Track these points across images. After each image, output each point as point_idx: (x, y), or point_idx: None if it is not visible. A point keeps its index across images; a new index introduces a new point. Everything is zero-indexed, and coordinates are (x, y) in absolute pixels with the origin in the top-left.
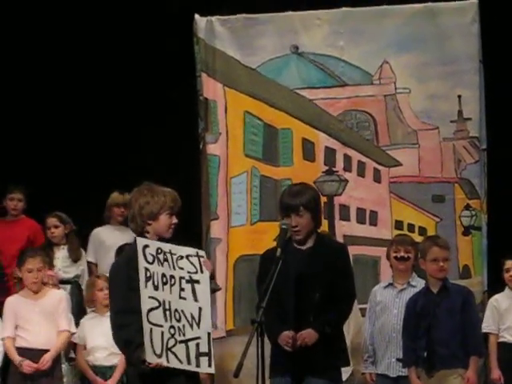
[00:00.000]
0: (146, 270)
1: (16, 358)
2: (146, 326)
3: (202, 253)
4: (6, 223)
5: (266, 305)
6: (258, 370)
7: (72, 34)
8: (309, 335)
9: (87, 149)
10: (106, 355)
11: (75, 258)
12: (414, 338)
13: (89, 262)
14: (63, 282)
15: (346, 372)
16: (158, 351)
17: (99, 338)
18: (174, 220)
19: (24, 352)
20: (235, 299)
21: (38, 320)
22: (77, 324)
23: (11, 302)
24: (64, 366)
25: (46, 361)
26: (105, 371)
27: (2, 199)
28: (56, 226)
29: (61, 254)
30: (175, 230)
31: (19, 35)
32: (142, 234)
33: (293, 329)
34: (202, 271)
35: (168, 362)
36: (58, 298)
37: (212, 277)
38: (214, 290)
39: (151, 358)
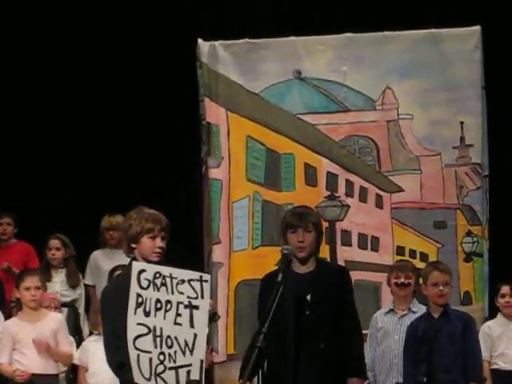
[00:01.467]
0: (138, 295)
1: (10, 369)
2: (133, 353)
3: (206, 277)
4: None
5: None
6: None
7: (75, 56)
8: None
9: (88, 172)
10: (110, 379)
11: (73, 284)
12: (414, 363)
13: (87, 285)
14: (61, 305)
15: None
16: (147, 375)
17: (102, 362)
18: (159, 243)
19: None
20: (236, 323)
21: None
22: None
23: (9, 326)
24: None
25: (43, 343)
26: None
27: None
28: (58, 249)
29: (59, 278)
30: (164, 254)
31: (21, 60)
32: (133, 258)
33: (293, 354)
34: (202, 297)
35: None
36: (58, 322)
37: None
38: (210, 319)
39: (140, 380)
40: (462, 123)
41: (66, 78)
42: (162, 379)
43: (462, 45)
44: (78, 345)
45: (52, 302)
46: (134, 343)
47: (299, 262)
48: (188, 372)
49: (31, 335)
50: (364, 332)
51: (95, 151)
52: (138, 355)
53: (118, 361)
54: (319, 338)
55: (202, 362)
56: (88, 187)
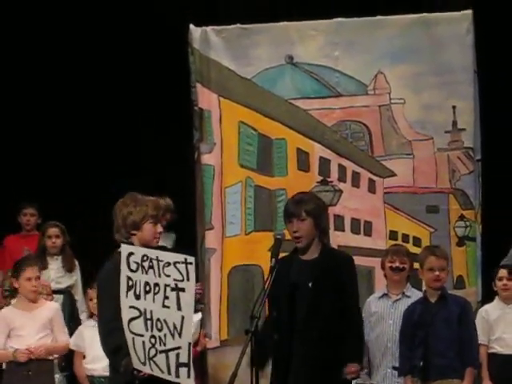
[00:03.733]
0: (129, 278)
1: (8, 352)
2: (128, 336)
3: (190, 259)
4: (20, 238)
5: (264, 323)
6: (252, 380)
7: (68, 45)
8: (357, 368)
9: (81, 159)
10: (106, 365)
11: (70, 269)
12: (410, 347)
13: None
14: (56, 291)
15: None
16: (142, 359)
17: (99, 348)
18: (159, 229)
19: (16, 363)
20: (229, 309)
21: (31, 331)
22: (70, 334)
23: (4, 314)
24: (58, 376)
25: (40, 348)
26: (104, 381)
27: (17, 215)
28: (57, 236)
29: (55, 265)
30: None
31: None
32: (129, 243)
33: (287, 343)
34: (188, 279)
35: (152, 370)
36: (54, 311)
37: (198, 299)
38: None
39: (138, 366)
40: (454, 107)
41: (58, 68)
42: (155, 363)
43: (454, 29)
44: (74, 331)
45: (44, 288)
46: (128, 326)
47: (300, 253)
48: (177, 355)
49: (28, 323)
50: None
51: (85, 135)
52: (133, 338)
53: (114, 345)
54: (314, 327)
55: (189, 344)
56: (78, 172)
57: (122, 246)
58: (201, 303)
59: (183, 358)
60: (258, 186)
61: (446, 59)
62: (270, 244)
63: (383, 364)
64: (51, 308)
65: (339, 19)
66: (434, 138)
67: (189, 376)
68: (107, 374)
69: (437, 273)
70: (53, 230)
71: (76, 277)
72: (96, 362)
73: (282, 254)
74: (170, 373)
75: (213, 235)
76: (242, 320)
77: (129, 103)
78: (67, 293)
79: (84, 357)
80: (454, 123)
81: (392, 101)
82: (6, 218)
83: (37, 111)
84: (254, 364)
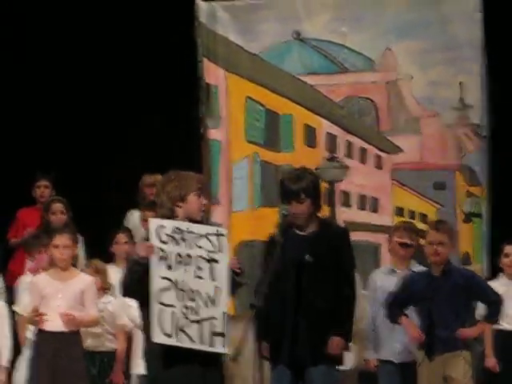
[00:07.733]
0: (160, 250)
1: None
2: (156, 307)
3: (222, 231)
4: (35, 210)
5: (264, 296)
6: (256, 354)
7: (77, 23)
8: (340, 343)
9: (88, 133)
10: (97, 340)
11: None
12: (399, 304)
13: None
14: None
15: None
16: (168, 331)
17: (111, 326)
18: (204, 201)
19: (43, 334)
20: None
21: (62, 303)
22: None
23: (37, 280)
24: None
25: (69, 317)
26: (93, 356)
27: (31, 188)
28: (62, 212)
29: None
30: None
31: (24, 24)
32: (171, 218)
33: (291, 315)
34: (221, 250)
35: (179, 341)
36: (87, 284)
37: (237, 273)
38: (240, 283)
39: (159, 338)
40: (461, 84)
41: (68, 40)
42: (186, 333)
43: (462, 5)
44: None
45: None
46: (157, 297)
47: (297, 228)
48: (211, 324)
49: (59, 294)
50: (364, 292)
51: (93, 109)
52: (160, 309)
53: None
54: (316, 299)
55: (224, 314)
56: (91, 150)
57: (151, 220)
58: (243, 277)
59: (218, 328)
60: (265, 161)
61: (453, 35)
62: (276, 219)
63: (391, 339)
64: (84, 280)
65: None
66: (441, 115)
67: (224, 345)
68: (103, 349)
69: (435, 247)
70: (57, 206)
71: (80, 251)
72: (87, 336)
73: None
74: (202, 342)
75: (220, 210)
76: (248, 295)
77: (135, 78)
78: None
79: None
80: (462, 100)
81: (399, 77)
82: (19, 190)
83: (48, 84)
84: (259, 338)
